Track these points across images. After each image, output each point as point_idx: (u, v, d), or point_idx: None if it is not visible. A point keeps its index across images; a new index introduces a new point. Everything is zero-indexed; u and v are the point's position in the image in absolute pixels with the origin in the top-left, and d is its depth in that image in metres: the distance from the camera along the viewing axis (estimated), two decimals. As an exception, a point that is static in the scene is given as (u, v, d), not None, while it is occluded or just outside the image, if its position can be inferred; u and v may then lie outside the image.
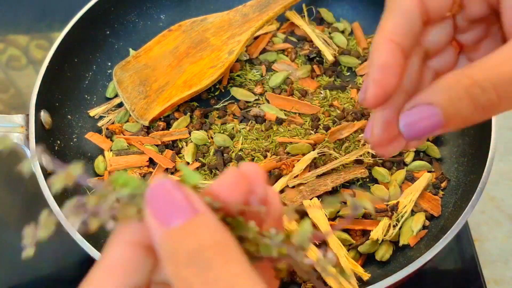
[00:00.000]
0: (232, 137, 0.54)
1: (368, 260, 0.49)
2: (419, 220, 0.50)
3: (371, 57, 0.28)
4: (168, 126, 0.56)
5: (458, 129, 0.27)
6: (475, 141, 0.52)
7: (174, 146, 0.55)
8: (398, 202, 0.50)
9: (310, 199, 0.49)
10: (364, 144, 0.53)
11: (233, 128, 0.55)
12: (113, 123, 0.57)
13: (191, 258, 0.20)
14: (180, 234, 0.20)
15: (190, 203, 0.21)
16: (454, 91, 0.26)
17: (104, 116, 0.57)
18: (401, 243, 0.49)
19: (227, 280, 0.19)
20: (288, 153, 0.52)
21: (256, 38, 0.61)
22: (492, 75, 0.25)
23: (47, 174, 0.49)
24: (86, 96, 0.59)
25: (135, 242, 0.22)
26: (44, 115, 0.52)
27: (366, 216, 0.49)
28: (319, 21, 0.64)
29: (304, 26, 0.61)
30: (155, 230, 0.21)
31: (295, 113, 0.56)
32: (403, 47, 0.28)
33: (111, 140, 0.56)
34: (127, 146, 0.55)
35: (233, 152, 0.53)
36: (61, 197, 0.49)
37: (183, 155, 0.54)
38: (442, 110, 0.26)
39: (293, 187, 0.50)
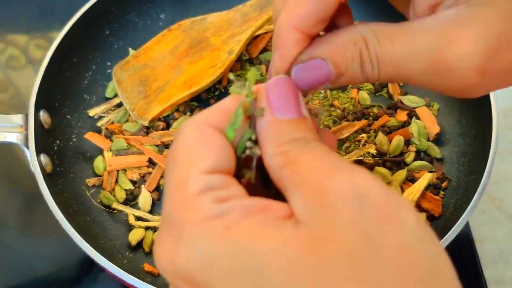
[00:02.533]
0: (232, 137, 0.54)
1: (368, 261, 0.49)
2: (420, 220, 0.49)
3: (275, 41, 0.29)
4: (168, 126, 0.56)
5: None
6: (476, 141, 0.52)
7: (173, 146, 0.55)
8: (398, 202, 0.50)
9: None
10: (364, 145, 0.53)
11: (233, 128, 0.55)
12: (112, 123, 0.57)
13: (294, 140, 0.24)
14: (288, 124, 0.24)
15: (299, 107, 0.25)
16: (349, 51, 0.27)
17: (104, 116, 0.57)
18: (401, 244, 0.49)
19: (324, 149, 0.23)
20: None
21: (256, 37, 0.61)
22: (384, 51, 0.26)
23: (46, 174, 0.49)
24: (86, 96, 0.59)
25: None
26: (44, 115, 0.52)
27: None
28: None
29: (304, 25, 0.61)
30: (266, 115, 0.25)
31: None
32: (310, 34, 0.28)
33: (110, 140, 0.55)
34: (127, 146, 0.55)
35: (233, 152, 0.53)
36: (60, 198, 0.49)
37: (183, 155, 0.54)
38: (334, 67, 0.27)
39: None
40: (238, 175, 0.25)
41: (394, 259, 0.20)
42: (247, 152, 0.25)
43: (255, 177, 0.26)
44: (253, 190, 0.25)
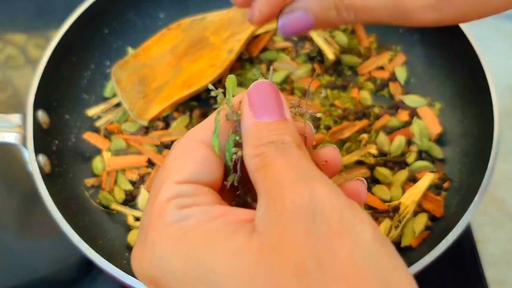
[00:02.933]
0: (232, 137, 0.54)
1: (369, 262, 0.48)
2: (421, 221, 0.49)
3: None
4: (167, 126, 0.56)
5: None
6: (478, 141, 0.52)
7: (173, 146, 0.54)
8: (400, 203, 0.50)
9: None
10: (365, 145, 0.53)
11: (233, 128, 0.54)
12: (111, 123, 0.57)
13: (270, 142, 0.25)
14: (267, 126, 0.26)
15: (281, 109, 0.26)
16: (325, 3, 0.31)
17: (103, 116, 0.57)
18: (403, 244, 0.48)
19: (297, 156, 0.24)
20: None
21: (256, 37, 0.61)
22: (355, 4, 0.31)
23: (44, 175, 0.49)
24: (84, 95, 0.58)
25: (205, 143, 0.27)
26: (42, 115, 0.52)
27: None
28: None
29: (305, 25, 0.61)
30: (247, 118, 0.26)
31: (295, 113, 0.55)
32: None
33: (109, 140, 0.55)
34: (126, 146, 0.54)
35: (233, 152, 0.53)
36: (59, 198, 0.48)
37: (183, 155, 0.53)
38: (314, 16, 0.32)
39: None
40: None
41: (343, 275, 0.20)
42: (234, 156, 0.27)
43: (239, 180, 0.27)
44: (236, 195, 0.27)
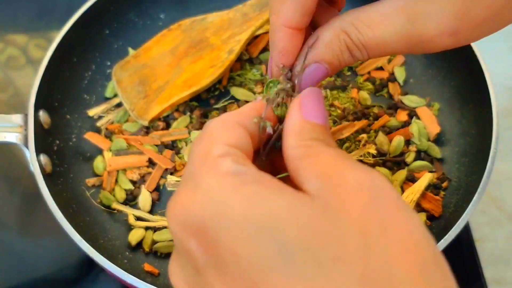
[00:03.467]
0: (232, 137, 0.54)
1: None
2: (420, 220, 0.49)
3: (271, 40, 0.33)
4: (168, 126, 0.56)
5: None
6: (476, 141, 0.52)
7: (173, 146, 0.55)
8: (399, 203, 0.50)
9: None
10: (364, 145, 0.53)
11: (233, 128, 0.54)
12: (112, 123, 0.57)
13: (316, 138, 0.26)
14: (313, 126, 0.27)
15: (325, 116, 0.28)
16: (336, 47, 0.31)
17: (103, 116, 0.57)
18: (402, 244, 0.49)
19: (343, 152, 0.26)
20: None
21: (256, 37, 0.61)
22: (367, 38, 0.30)
23: (46, 174, 0.49)
24: (85, 96, 0.58)
25: None
26: (43, 115, 0.52)
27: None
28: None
29: (304, 25, 0.61)
30: (295, 115, 0.28)
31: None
32: (299, 28, 0.32)
33: (110, 140, 0.55)
34: (127, 146, 0.54)
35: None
36: (60, 198, 0.48)
37: (183, 155, 0.54)
38: (328, 64, 0.32)
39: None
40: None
41: (402, 241, 0.22)
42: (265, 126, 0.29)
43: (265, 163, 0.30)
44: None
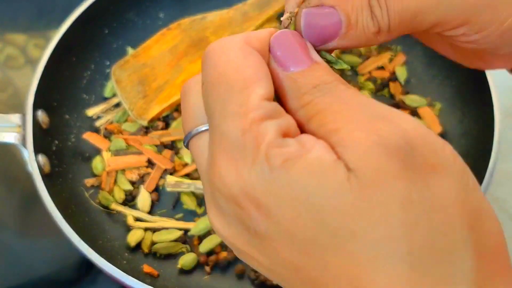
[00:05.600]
0: (232, 137, 0.54)
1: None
2: (422, 221, 0.49)
3: None
4: (167, 126, 0.56)
5: (355, 46, 0.28)
6: (478, 141, 0.52)
7: (173, 146, 0.55)
8: (400, 203, 0.50)
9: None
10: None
11: (233, 128, 0.54)
12: (111, 123, 0.57)
13: (314, 88, 0.23)
14: (302, 74, 0.24)
15: (309, 54, 0.25)
16: (358, 0, 0.26)
17: (102, 116, 0.57)
18: (403, 245, 0.48)
19: (352, 93, 0.23)
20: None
21: (256, 37, 0.61)
22: (397, 4, 0.26)
23: (44, 175, 0.49)
24: (84, 95, 0.58)
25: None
26: (42, 115, 0.52)
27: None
28: None
29: (305, 24, 0.61)
30: (277, 74, 0.24)
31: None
32: None
33: (109, 140, 0.55)
34: (126, 146, 0.54)
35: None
36: (58, 198, 0.48)
37: (182, 156, 0.53)
38: (345, 15, 0.26)
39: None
40: None
41: (445, 207, 0.21)
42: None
43: None
44: None
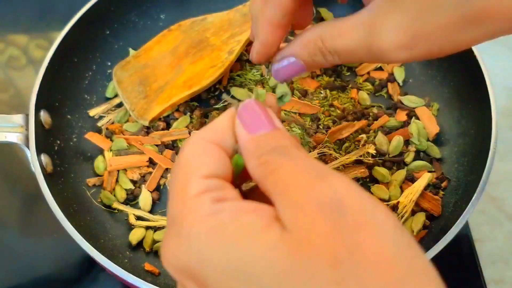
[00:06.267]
0: (232, 137, 0.54)
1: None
2: (420, 220, 0.50)
3: (254, 32, 0.36)
4: (168, 126, 0.56)
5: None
6: (476, 141, 0.52)
7: (174, 146, 0.55)
8: (398, 202, 0.50)
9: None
10: (364, 145, 0.53)
11: (233, 128, 0.55)
12: (113, 123, 0.57)
13: (271, 150, 0.26)
14: (264, 137, 0.27)
15: (272, 121, 0.28)
16: (311, 49, 0.34)
17: (104, 116, 0.57)
18: (401, 243, 0.49)
19: (302, 157, 0.25)
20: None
21: (256, 38, 0.61)
22: (337, 45, 0.33)
23: (46, 174, 0.49)
24: (86, 96, 0.59)
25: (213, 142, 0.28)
26: (44, 115, 0.52)
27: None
28: (319, 21, 0.63)
29: (304, 26, 0.61)
30: (243, 136, 0.28)
31: (295, 112, 0.56)
32: (280, 25, 0.35)
33: (111, 140, 0.56)
34: (127, 146, 0.55)
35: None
36: (61, 197, 0.49)
37: (183, 155, 0.54)
38: (303, 61, 0.35)
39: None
40: (235, 184, 0.28)
41: (373, 263, 0.22)
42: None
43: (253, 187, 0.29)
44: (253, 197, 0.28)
